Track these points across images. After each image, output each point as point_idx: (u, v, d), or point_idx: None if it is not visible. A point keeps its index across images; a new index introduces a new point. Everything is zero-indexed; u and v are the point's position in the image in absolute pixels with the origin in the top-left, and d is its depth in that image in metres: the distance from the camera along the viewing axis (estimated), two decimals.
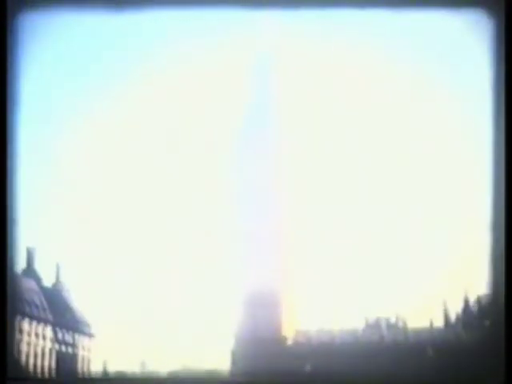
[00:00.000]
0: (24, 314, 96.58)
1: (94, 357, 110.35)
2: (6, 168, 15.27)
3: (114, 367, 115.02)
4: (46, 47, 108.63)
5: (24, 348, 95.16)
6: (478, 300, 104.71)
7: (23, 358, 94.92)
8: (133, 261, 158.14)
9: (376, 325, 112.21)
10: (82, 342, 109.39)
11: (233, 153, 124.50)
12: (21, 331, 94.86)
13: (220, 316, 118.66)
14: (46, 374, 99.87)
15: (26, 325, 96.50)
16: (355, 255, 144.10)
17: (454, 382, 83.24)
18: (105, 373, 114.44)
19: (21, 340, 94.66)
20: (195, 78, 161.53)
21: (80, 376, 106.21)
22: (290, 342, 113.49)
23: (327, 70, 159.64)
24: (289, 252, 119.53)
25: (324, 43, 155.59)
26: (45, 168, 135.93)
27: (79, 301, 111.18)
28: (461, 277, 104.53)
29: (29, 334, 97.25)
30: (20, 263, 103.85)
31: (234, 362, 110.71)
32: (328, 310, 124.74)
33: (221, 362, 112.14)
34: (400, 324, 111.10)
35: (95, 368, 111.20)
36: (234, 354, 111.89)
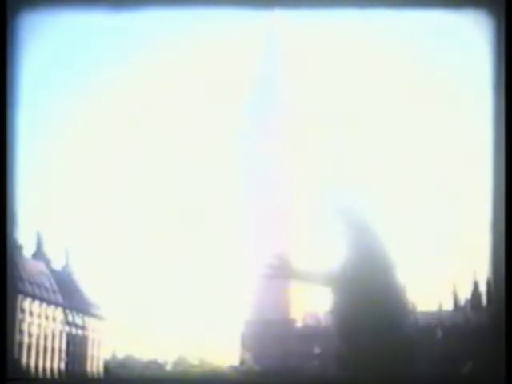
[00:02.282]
0: (34, 297, 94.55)
1: (104, 339, 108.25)
2: (7, 159, 13.01)
3: (123, 350, 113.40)
4: (46, 47, 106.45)
5: (35, 330, 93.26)
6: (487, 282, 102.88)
7: (34, 340, 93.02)
8: (142, 244, 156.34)
9: None
10: (92, 324, 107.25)
11: (238, 142, 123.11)
12: (31, 313, 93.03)
13: (229, 299, 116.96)
14: (57, 357, 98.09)
15: (36, 307, 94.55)
16: None
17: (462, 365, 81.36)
18: (114, 356, 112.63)
19: (31, 322, 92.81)
20: (197, 75, 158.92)
21: (89, 372, 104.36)
22: (298, 324, 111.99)
23: (329, 67, 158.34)
24: (298, 234, 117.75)
25: (326, 42, 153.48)
26: (54, 157, 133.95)
27: (89, 283, 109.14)
28: (469, 260, 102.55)
29: (39, 316, 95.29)
30: (30, 247, 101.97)
31: (243, 345, 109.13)
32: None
33: (231, 344, 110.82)
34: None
35: (105, 350, 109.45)
36: (243, 336, 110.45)
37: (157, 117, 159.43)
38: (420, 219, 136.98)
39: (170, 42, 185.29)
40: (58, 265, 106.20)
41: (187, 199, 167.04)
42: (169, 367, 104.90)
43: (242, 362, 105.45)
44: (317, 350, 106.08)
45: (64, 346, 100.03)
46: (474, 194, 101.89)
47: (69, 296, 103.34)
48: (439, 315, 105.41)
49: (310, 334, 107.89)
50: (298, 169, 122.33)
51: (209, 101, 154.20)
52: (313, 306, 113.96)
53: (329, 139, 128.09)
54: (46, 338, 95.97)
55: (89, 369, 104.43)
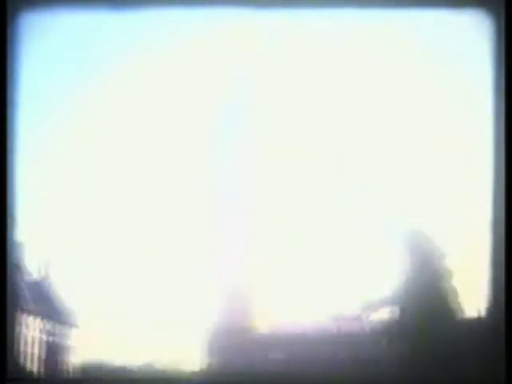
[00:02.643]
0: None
1: (78, 345, 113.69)
2: (5, 164, 15.50)
3: (95, 356, 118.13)
4: (46, 47, 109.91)
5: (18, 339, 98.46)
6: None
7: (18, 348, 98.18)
8: (116, 255, 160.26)
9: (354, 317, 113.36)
10: (68, 331, 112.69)
11: (216, 148, 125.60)
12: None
13: (195, 307, 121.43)
14: (36, 363, 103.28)
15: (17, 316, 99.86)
16: (331, 249, 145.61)
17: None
18: (88, 362, 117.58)
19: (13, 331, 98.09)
20: (193, 77, 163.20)
21: (70, 370, 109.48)
22: (262, 331, 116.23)
23: (325, 67, 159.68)
24: (264, 242, 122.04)
25: (322, 42, 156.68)
26: (37, 164, 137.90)
27: (65, 293, 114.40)
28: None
29: (19, 325, 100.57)
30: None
31: (209, 351, 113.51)
32: (300, 302, 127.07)
33: (194, 351, 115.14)
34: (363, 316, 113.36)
35: (80, 357, 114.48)
36: (207, 344, 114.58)
37: (154, 117, 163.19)
38: (420, 219, 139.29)
39: (170, 42, 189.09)
40: (36, 275, 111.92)
41: (160, 207, 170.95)
42: (138, 373, 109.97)
43: (208, 368, 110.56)
44: (280, 357, 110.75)
45: (37, 352, 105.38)
46: (474, 194, 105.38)
47: (46, 305, 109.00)
48: None
49: (274, 342, 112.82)
50: (269, 182, 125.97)
51: (203, 102, 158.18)
52: (277, 314, 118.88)
53: (324, 138, 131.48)
54: (25, 345, 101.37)
55: (64, 374, 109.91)
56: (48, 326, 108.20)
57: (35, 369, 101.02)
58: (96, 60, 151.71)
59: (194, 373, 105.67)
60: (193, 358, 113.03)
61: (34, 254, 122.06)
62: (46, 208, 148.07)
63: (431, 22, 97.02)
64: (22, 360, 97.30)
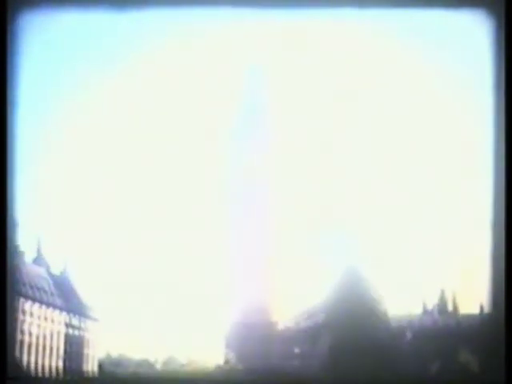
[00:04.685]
0: (34, 299, 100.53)
1: (98, 339, 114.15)
2: (7, 161, 15.15)
3: (116, 349, 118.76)
4: (46, 47, 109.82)
5: (34, 330, 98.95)
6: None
7: (34, 339, 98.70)
8: (132, 250, 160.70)
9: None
10: (87, 325, 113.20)
11: (227, 150, 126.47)
12: (31, 315, 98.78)
13: (215, 302, 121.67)
14: (54, 356, 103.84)
15: (36, 309, 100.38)
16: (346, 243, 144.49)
17: None
18: (108, 355, 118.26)
19: (31, 323, 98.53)
20: (192, 77, 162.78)
21: (84, 369, 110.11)
22: (280, 326, 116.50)
23: (326, 67, 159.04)
24: (279, 237, 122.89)
25: (322, 42, 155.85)
26: (49, 161, 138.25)
27: (84, 287, 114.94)
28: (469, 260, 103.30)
29: (39, 318, 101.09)
30: (30, 252, 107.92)
31: (227, 345, 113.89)
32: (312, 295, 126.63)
33: (216, 344, 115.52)
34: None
35: (99, 350, 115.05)
36: (227, 337, 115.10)
37: (154, 117, 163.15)
38: (419, 220, 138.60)
39: (170, 42, 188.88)
40: (56, 269, 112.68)
41: (177, 203, 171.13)
42: (159, 366, 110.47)
43: (226, 362, 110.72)
44: (297, 351, 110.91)
45: (61, 346, 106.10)
46: (474, 195, 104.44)
47: (66, 299, 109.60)
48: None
49: (291, 336, 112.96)
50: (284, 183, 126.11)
51: (203, 103, 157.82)
52: (293, 308, 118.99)
53: (327, 140, 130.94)
54: (44, 338, 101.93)
55: (84, 367, 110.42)
56: (68, 320, 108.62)
57: (36, 365, 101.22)
58: (96, 60, 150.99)
59: (214, 368, 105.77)
60: (212, 353, 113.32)
61: (53, 249, 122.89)
62: (67, 204, 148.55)
63: (431, 22, 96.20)
64: (23, 358, 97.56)
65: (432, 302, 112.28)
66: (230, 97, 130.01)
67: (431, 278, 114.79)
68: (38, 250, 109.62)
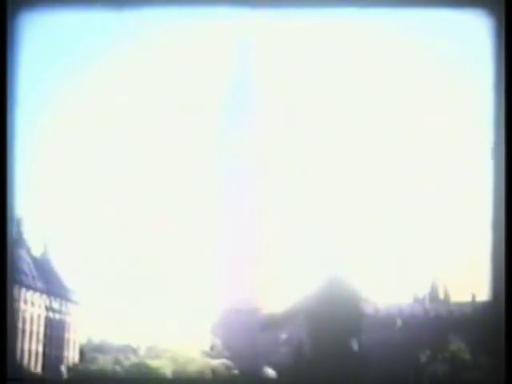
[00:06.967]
0: (14, 282, 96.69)
1: (80, 323, 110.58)
2: (5, 153, 15.22)
3: (98, 334, 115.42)
4: (46, 46, 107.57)
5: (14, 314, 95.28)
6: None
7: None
8: (117, 233, 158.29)
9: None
10: (69, 308, 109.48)
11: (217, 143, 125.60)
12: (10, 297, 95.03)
13: (200, 289, 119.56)
14: (34, 339, 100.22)
15: (15, 292, 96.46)
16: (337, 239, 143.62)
17: None
18: (89, 340, 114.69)
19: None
20: (185, 72, 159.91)
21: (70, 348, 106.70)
22: (265, 312, 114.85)
23: (326, 67, 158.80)
24: (267, 227, 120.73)
25: (322, 41, 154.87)
26: (33, 145, 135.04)
27: (65, 270, 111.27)
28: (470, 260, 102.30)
29: (18, 301, 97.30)
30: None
31: (213, 332, 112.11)
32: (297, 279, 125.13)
33: (201, 331, 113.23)
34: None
35: (81, 335, 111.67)
36: (213, 324, 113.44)
37: (151, 113, 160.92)
38: (412, 210, 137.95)
39: (169, 41, 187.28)
40: (37, 251, 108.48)
41: (163, 189, 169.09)
42: (142, 352, 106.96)
43: (212, 348, 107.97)
44: (282, 337, 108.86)
45: (41, 330, 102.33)
46: (474, 195, 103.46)
47: (47, 281, 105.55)
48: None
49: (276, 322, 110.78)
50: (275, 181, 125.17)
51: (195, 96, 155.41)
52: (278, 295, 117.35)
53: (323, 137, 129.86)
54: (24, 321, 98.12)
55: (65, 352, 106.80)
56: (49, 303, 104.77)
57: (34, 346, 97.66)
58: (96, 59, 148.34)
59: (199, 353, 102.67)
60: (198, 338, 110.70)
61: (34, 230, 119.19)
62: (48, 184, 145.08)
63: (431, 22, 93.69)
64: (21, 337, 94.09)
65: (423, 291, 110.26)
66: (220, 92, 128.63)
67: (422, 267, 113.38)
68: (18, 232, 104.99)
